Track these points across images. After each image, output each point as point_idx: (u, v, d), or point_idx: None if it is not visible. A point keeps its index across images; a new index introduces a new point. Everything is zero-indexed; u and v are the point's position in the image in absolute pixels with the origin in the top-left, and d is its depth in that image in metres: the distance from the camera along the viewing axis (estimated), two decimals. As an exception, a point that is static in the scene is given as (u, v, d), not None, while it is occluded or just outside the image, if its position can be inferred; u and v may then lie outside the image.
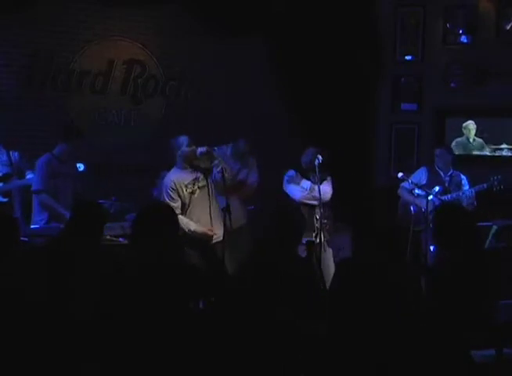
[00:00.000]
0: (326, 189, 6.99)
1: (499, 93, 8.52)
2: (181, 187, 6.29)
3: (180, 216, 6.11)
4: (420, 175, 7.43)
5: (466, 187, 7.25)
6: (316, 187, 6.84)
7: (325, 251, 6.92)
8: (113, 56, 8.34)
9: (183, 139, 6.39)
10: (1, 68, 7.78)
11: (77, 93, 8.19)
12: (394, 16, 9.16)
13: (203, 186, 6.36)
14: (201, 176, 6.37)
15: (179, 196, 6.26)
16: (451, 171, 7.40)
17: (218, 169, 6.35)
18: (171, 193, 6.27)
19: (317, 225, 6.89)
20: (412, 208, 7.37)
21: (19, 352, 3.57)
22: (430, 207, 7.00)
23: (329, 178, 7.12)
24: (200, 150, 6.34)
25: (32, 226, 6.28)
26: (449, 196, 7.16)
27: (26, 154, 6.92)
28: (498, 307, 4.37)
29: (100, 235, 4.69)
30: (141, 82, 8.51)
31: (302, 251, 6.62)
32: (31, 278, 3.88)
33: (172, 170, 6.44)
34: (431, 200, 7.10)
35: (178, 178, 6.31)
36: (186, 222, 6.22)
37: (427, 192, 7.12)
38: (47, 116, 7.90)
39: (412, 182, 7.20)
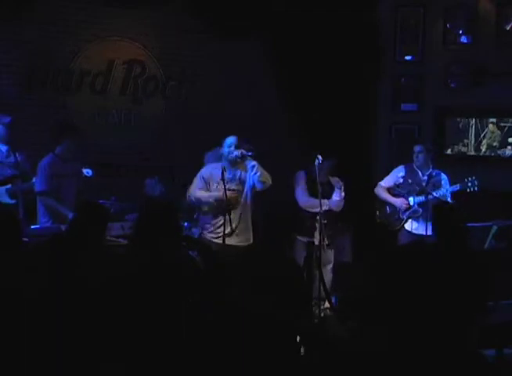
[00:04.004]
0: (338, 201, 6.96)
1: (499, 93, 8.52)
2: (211, 181, 6.41)
3: (198, 193, 6.39)
4: (398, 174, 7.36)
5: (446, 187, 7.17)
6: (322, 202, 6.83)
7: (325, 251, 6.92)
8: (113, 56, 8.35)
9: (228, 140, 6.44)
10: (1, 68, 7.79)
11: (77, 93, 8.20)
12: (395, 16, 9.16)
13: (239, 190, 6.41)
14: (238, 180, 6.41)
15: (208, 188, 6.41)
16: (430, 170, 7.28)
17: (253, 173, 6.37)
18: (198, 181, 6.46)
19: (318, 225, 6.88)
20: (387, 208, 7.36)
21: (19, 351, 3.58)
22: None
23: (338, 186, 7.01)
24: (234, 153, 6.36)
25: (33, 226, 6.28)
26: (422, 197, 7.09)
27: (25, 154, 6.92)
28: (492, 307, 4.39)
29: (102, 236, 4.69)
30: (141, 82, 8.51)
31: (302, 251, 6.67)
32: (32, 278, 3.88)
33: (216, 164, 6.54)
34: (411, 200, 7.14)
35: (211, 173, 6.46)
36: (200, 194, 6.39)
37: (405, 195, 7.15)
38: (47, 116, 7.90)
39: (387, 181, 7.30)
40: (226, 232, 6.29)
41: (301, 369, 3.05)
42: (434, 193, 7.03)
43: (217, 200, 6.33)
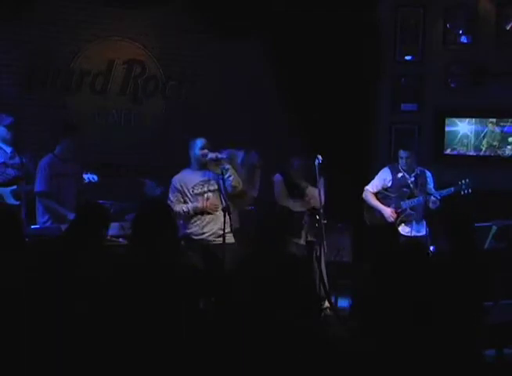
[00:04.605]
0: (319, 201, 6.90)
1: (499, 93, 8.53)
2: (186, 188, 6.32)
3: (177, 207, 6.21)
4: (385, 177, 7.29)
5: (431, 185, 7.14)
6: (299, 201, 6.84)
7: (325, 251, 6.93)
8: (113, 56, 8.35)
9: (198, 142, 6.37)
10: (1, 68, 7.79)
11: (77, 93, 8.20)
12: (395, 16, 9.16)
13: (215, 190, 6.35)
14: (212, 180, 6.35)
15: (184, 196, 6.30)
16: (415, 170, 7.20)
17: (226, 176, 6.32)
18: (170, 194, 6.35)
19: (317, 225, 6.89)
20: (376, 213, 7.27)
21: (19, 351, 3.58)
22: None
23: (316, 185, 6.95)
24: (210, 155, 6.30)
25: (32, 227, 6.28)
26: (416, 200, 7.05)
27: (29, 155, 6.92)
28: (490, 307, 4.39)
29: (103, 237, 4.69)
30: (141, 82, 8.51)
31: (303, 251, 6.68)
32: (32, 278, 3.88)
33: (183, 170, 6.45)
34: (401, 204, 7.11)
35: (183, 180, 6.36)
36: (179, 208, 6.24)
37: (397, 199, 7.11)
38: (47, 116, 7.90)
39: (375, 186, 7.24)
40: (212, 232, 6.28)
41: (301, 369, 3.05)
42: (435, 194, 7.01)
43: (195, 211, 6.30)
